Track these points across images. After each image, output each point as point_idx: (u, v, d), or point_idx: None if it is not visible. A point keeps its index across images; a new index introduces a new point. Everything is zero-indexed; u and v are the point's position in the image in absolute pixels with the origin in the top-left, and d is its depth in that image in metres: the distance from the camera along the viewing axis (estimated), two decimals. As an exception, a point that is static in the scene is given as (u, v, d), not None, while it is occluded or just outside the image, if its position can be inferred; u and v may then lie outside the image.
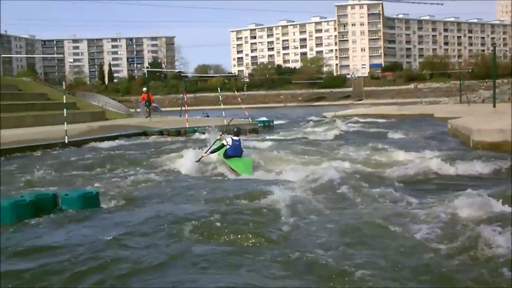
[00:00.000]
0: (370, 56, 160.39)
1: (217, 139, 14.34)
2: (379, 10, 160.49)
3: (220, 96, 35.42)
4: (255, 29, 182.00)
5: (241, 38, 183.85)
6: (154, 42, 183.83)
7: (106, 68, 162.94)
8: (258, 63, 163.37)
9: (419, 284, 5.36)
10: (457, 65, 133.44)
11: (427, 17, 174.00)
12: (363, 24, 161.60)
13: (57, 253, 6.54)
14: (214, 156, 14.21)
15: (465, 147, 17.24)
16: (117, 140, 21.36)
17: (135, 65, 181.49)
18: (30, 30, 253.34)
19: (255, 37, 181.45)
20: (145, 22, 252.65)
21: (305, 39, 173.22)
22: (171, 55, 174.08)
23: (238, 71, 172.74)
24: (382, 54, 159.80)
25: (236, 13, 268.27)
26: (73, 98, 38.03)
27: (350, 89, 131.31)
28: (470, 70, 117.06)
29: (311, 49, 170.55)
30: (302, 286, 5.36)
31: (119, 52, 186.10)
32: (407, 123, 30.91)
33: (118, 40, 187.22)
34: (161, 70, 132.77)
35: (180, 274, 5.73)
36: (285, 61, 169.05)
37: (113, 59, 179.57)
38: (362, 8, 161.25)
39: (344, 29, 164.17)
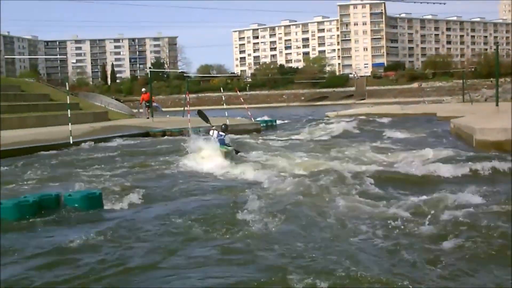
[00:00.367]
0: (372, 56, 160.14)
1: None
2: (382, 10, 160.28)
3: (222, 96, 35.34)
4: (257, 29, 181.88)
5: (243, 38, 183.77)
6: (156, 43, 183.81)
7: (108, 69, 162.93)
8: (261, 63, 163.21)
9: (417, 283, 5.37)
10: (460, 64, 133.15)
11: (430, 17, 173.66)
12: (366, 24, 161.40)
13: (57, 252, 6.56)
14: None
15: (467, 146, 17.21)
16: (120, 140, 21.39)
17: (138, 65, 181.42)
18: (33, 31, 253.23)
19: (257, 37, 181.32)
20: (147, 22, 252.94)
21: (307, 39, 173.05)
22: (173, 55, 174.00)
23: (241, 71, 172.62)
24: (385, 54, 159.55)
25: (239, 13, 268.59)
26: (76, 99, 38.07)
27: (353, 88, 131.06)
28: (472, 69, 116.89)
29: (313, 49, 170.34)
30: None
31: (121, 53, 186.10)
32: (410, 123, 30.88)
33: (121, 41, 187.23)
34: (163, 70, 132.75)
35: (181, 273, 5.74)
36: (287, 61, 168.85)
37: (116, 59, 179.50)
38: (365, 7, 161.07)
39: (347, 28, 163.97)
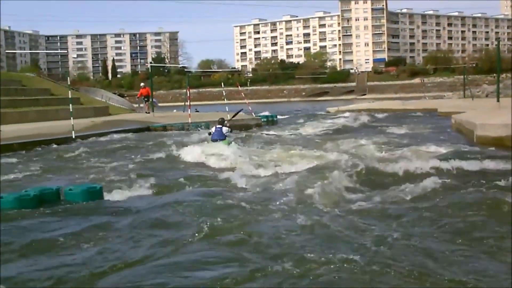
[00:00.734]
0: (373, 51, 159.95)
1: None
2: (383, 5, 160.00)
3: (223, 91, 35.32)
4: (258, 24, 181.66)
5: (244, 33, 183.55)
6: (157, 37, 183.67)
7: (109, 64, 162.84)
8: (262, 58, 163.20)
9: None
10: (461, 60, 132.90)
11: (431, 12, 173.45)
12: (367, 19, 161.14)
13: (55, 248, 6.57)
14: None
15: (468, 142, 17.20)
16: (121, 135, 21.41)
17: (139, 60, 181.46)
18: (34, 26, 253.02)
19: (258, 32, 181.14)
20: (148, 17, 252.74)
21: (308, 34, 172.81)
22: (174, 50, 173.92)
23: (242, 66, 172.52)
24: (386, 49, 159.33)
25: (240, 8, 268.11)
26: (77, 94, 38.04)
27: (354, 84, 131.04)
28: (474, 65, 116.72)
29: (314, 44, 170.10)
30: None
31: (122, 48, 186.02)
32: (411, 118, 30.89)
33: (122, 36, 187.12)
34: (164, 65, 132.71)
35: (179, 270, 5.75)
36: (288, 56, 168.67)
37: (117, 54, 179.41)
38: (366, 3, 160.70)
39: (348, 24, 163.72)
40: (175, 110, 37.79)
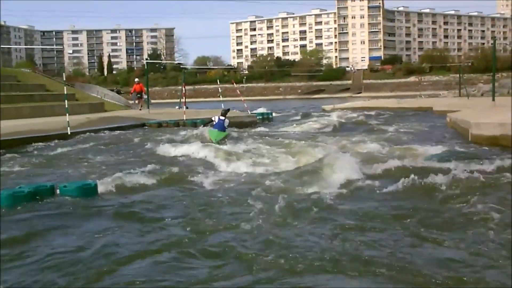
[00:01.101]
0: (369, 49, 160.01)
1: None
2: (379, 3, 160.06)
3: (219, 88, 35.34)
4: (254, 21, 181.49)
5: (240, 30, 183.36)
6: (153, 34, 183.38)
7: (105, 60, 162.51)
8: (258, 55, 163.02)
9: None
10: (457, 59, 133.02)
11: (427, 10, 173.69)
12: (363, 17, 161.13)
13: (49, 245, 6.56)
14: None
15: (463, 140, 17.24)
16: (116, 131, 21.38)
17: (135, 56, 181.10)
18: (29, 21, 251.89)
19: (254, 29, 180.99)
20: (144, 13, 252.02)
21: (304, 31, 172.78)
22: (170, 47, 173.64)
23: (238, 63, 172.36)
24: (382, 47, 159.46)
25: (236, 5, 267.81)
26: (72, 90, 37.90)
27: (350, 82, 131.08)
28: (469, 64, 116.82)
29: (310, 42, 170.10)
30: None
31: (118, 44, 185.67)
32: (406, 116, 30.92)
33: (118, 32, 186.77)
34: (160, 61, 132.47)
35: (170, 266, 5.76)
36: (284, 53, 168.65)
37: (113, 50, 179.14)
38: (362, 0, 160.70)
39: (344, 21, 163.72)
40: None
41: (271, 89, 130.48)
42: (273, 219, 7.42)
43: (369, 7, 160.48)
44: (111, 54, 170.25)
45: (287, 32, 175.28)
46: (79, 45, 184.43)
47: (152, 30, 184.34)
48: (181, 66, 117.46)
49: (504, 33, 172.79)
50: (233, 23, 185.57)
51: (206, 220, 7.48)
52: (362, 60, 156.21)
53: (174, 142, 17.06)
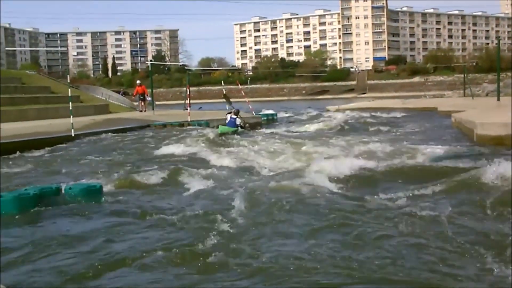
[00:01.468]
0: (374, 49, 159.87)
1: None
2: (383, 3, 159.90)
3: (223, 90, 35.27)
4: (258, 22, 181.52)
5: (244, 31, 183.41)
6: (157, 35, 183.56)
7: (109, 61, 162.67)
8: (262, 56, 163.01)
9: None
10: (461, 59, 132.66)
11: (431, 10, 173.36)
12: (367, 17, 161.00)
13: (54, 247, 6.57)
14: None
15: (468, 141, 17.20)
16: (122, 133, 21.40)
17: (139, 58, 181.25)
18: (34, 23, 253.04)
19: (258, 30, 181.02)
20: (148, 15, 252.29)
21: (308, 32, 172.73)
22: (174, 48, 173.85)
23: (242, 64, 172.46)
24: (386, 47, 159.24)
25: (240, 6, 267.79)
26: (77, 92, 38.00)
27: (354, 82, 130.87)
28: (474, 64, 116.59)
29: (314, 42, 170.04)
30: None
31: (122, 45, 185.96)
32: (411, 117, 30.87)
33: (122, 33, 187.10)
34: (164, 63, 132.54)
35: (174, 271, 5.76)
36: (288, 54, 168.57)
37: (117, 52, 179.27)
38: (366, 1, 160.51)
39: (348, 22, 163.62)
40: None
41: (276, 90, 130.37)
42: (272, 219, 7.42)
43: (373, 8, 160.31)
44: (115, 56, 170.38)
45: (291, 33, 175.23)
46: (84, 47, 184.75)
47: (156, 31, 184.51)
48: (185, 68, 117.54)
49: (508, 32, 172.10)
50: (237, 24, 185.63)
51: (210, 221, 7.47)
52: (366, 61, 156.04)
53: (179, 143, 17.07)
